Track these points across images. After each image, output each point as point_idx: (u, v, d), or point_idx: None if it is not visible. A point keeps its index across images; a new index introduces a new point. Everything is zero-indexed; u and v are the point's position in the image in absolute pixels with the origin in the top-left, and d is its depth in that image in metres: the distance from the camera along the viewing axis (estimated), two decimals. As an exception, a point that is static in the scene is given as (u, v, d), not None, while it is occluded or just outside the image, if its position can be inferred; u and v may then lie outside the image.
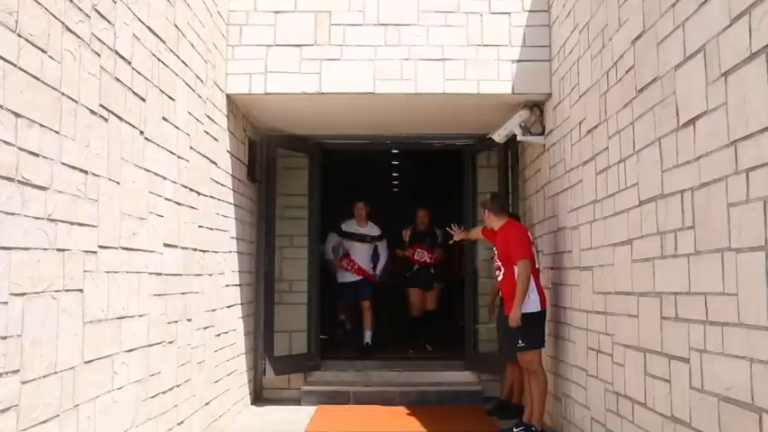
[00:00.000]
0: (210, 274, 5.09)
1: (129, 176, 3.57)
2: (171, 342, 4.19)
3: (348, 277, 8.21)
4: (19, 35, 2.57)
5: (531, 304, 5.14)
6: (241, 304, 6.08)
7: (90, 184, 3.14)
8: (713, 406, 2.82)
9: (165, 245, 4.10)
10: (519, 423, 5.30)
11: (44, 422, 2.72)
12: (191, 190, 4.60)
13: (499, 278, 5.43)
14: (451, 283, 9.03)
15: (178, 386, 4.31)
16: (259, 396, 6.78)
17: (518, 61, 5.67)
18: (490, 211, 5.50)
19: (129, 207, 3.57)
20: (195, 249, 4.70)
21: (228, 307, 5.66)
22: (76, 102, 3.02)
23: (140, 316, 3.71)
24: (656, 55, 3.43)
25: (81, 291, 3.05)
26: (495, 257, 5.51)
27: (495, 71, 5.66)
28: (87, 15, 3.12)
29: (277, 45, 5.67)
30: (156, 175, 3.97)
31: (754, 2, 2.51)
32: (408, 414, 6.11)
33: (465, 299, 7.39)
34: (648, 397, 3.53)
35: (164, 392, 4.05)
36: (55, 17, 2.83)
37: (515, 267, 5.13)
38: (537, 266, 5.35)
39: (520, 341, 5.15)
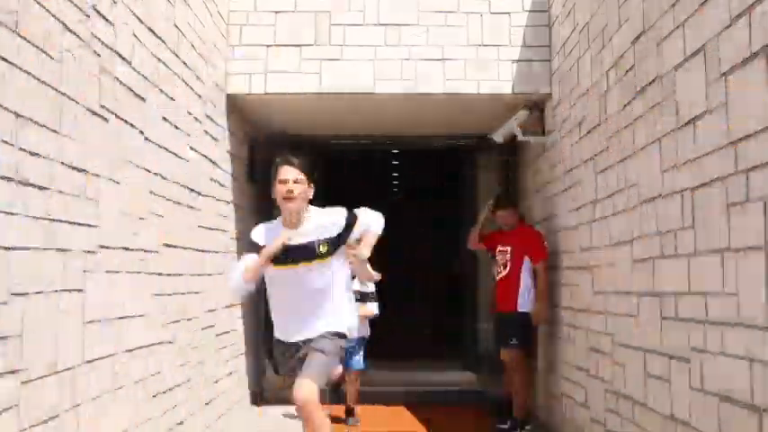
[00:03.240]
0: (210, 274, 5.09)
1: (129, 176, 3.57)
2: (171, 342, 4.19)
3: None
4: (19, 35, 2.57)
5: (530, 304, 5.44)
6: (241, 304, 6.08)
7: (90, 184, 3.14)
8: (713, 406, 2.82)
9: (165, 245, 4.10)
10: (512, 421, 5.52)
11: (44, 422, 2.72)
12: (191, 190, 4.60)
13: (500, 276, 5.59)
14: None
15: (178, 386, 4.31)
16: (259, 396, 6.78)
17: (518, 61, 5.67)
18: (515, 211, 5.76)
19: (129, 207, 3.57)
20: (195, 249, 4.70)
21: (228, 307, 5.66)
22: (77, 102, 3.02)
23: (140, 316, 3.71)
24: (656, 55, 3.43)
25: (81, 290, 3.05)
26: (503, 255, 5.59)
27: (495, 71, 5.66)
28: (87, 15, 3.12)
29: (277, 45, 5.67)
30: (156, 175, 3.97)
31: (754, 2, 2.51)
32: (409, 414, 6.11)
33: (465, 298, 7.40)
34: (648, 397, 3.53)
35: (164, 392, 4.05)
36: (55, 17, 2.83)
37: (534, 267, 5.45)
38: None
39: (514, 339, 5.44)
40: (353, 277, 4.26)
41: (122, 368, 3.47)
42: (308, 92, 5.66)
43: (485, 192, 7.32)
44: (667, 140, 3.29)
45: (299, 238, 3.50)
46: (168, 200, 4.15)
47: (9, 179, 2.51)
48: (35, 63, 2.69)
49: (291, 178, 3.50)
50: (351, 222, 3.58)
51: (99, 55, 3.24)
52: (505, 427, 5.48)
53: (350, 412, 5.90)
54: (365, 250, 3.60)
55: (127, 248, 3.54)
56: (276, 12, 5.71)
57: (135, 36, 3.66)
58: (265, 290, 3.73)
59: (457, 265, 9.03)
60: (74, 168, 2.99)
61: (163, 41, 4.07)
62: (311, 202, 3.66)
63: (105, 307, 3.29)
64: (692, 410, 3.03)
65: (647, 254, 3.53)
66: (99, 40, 3.23)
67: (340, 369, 4.89)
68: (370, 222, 3.65)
